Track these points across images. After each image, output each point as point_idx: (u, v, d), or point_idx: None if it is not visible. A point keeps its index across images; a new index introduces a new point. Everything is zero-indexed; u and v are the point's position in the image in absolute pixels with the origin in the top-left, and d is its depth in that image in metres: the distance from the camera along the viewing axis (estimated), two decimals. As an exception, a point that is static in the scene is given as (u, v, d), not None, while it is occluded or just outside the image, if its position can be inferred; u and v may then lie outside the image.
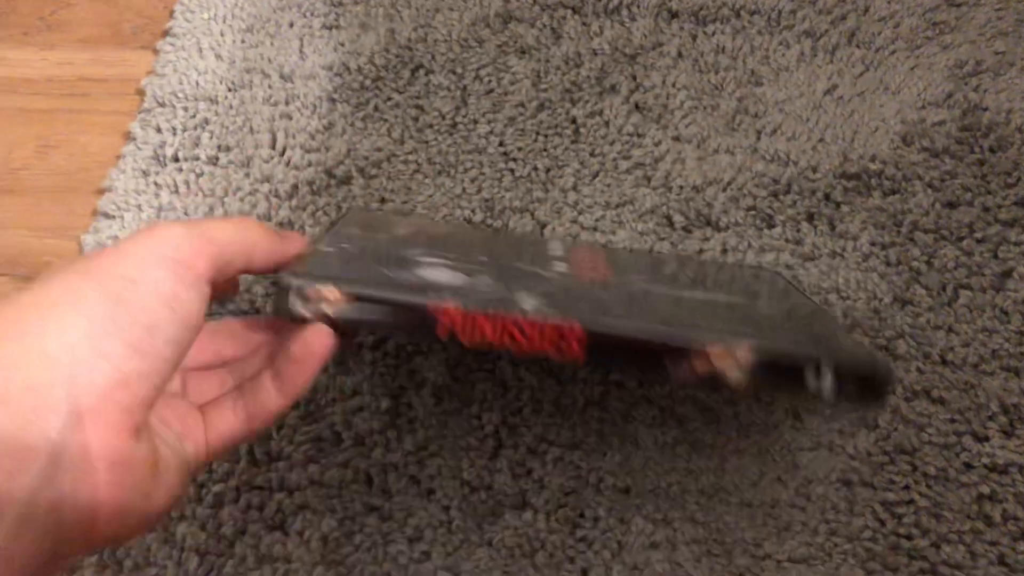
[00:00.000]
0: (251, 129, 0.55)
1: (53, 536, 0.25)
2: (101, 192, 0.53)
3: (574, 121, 0.56)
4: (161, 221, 0.32)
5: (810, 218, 0.52)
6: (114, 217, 0.52)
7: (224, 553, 0.41)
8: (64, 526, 0.26)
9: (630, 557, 0.42)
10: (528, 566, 0.42)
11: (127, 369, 0.27)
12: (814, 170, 0.54)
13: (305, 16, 0.61)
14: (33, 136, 0.57)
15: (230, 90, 0.57)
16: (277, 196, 0.52)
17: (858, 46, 0.59)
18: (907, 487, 0.43)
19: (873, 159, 0.54)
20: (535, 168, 0.53)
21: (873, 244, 0.51)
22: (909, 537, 0.42)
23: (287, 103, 0.56)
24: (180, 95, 0.57)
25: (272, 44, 0.60)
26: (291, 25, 0.61)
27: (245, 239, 0.32)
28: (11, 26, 0.62)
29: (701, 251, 0.51)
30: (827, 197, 0.53)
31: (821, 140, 0.55)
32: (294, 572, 0.41)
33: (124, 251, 0.29)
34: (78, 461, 0.26)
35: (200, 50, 0.59)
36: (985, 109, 0.56)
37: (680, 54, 0.59)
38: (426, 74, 0.58)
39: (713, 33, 0.60)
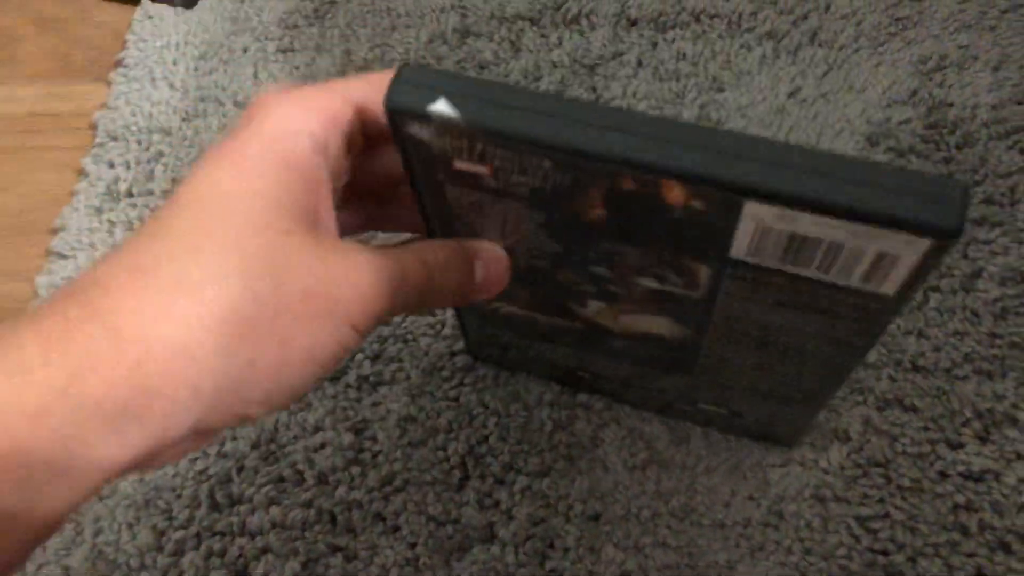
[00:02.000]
0: (206, 160, 0.54)
1: None
2: (54, 232, 0.53)
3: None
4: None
5: (776, 226, 0.51)
6: (68, 257, 0.51)
7: (186, 602, 0.40)
8: None
9: (602, 586, 0.41)
10: (498, 600, 0.41)
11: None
12: (779, 176, 0.53)
13: (259, 40, 0.60)
14: (-15, 176, 0.56)
15: (184, 120, 0.56)
16: (233, 228, 0.51)
17: (820, 45, 0.58)
18: (882, 500, 0.43)
19: (839, 162, 0.53)
20: (495, 187, 0.52)
21: (841, 250, 0.50)
22: (885, 552, 0.41)
23: (241, 131, 0.55)
24: (133, 128, 0.56)
25: (226, 71, 0.59)
26: (245, 51, 0.60)
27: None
28: (-40, 63, 0.61)
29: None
30: (793, 203, 0.52)
31: (785, 145, 0.54)
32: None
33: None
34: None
35: (153, 80, 0.58)
36: (950, 105, 0.55)
37: (640, 63, 0.58)
38: (383, 94, 0.57)
39: (673, 40, 0.59)
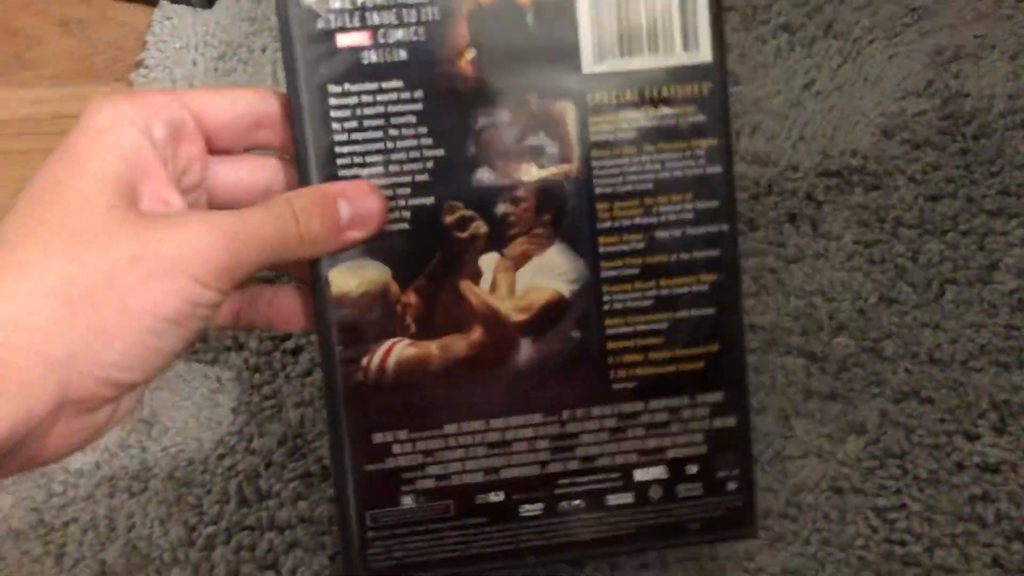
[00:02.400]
0: (227, 159, 0.55)
1: None
2: (81, 233, 0.53)
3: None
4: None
5: (792, 219, 0.52)
6: (95, 258, 0.52)
7: None
8: None
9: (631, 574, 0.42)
10: None
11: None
12: (795, 169, 0.53)
13: (277, 40, 0.61)
14: (10, 179, 0.57)
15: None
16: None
17: (835, 37, 0.59)
18: (899, 491, 0.43)
19: (854, 154, 0.53)
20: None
21: (856, 242, 0.50)
22: (902, 543, 0.42)
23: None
24: (155, 128, 0.57)
25: (245, 71, 0.59)
26: (263, 50, 0.60)
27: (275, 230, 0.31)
28: (-16, 66, 0.62)
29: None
30: (809, 196, 0.52)
31: (801, 138, 0.54)
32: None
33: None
34: (41, 433, 0.27)
35: (173, 81, 0.59)
36: (967, 95, 0.55)
37: (655, 56, 0.58)
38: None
39: (688, 33, 0.59)
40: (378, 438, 0.35)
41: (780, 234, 0.51)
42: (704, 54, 0.34)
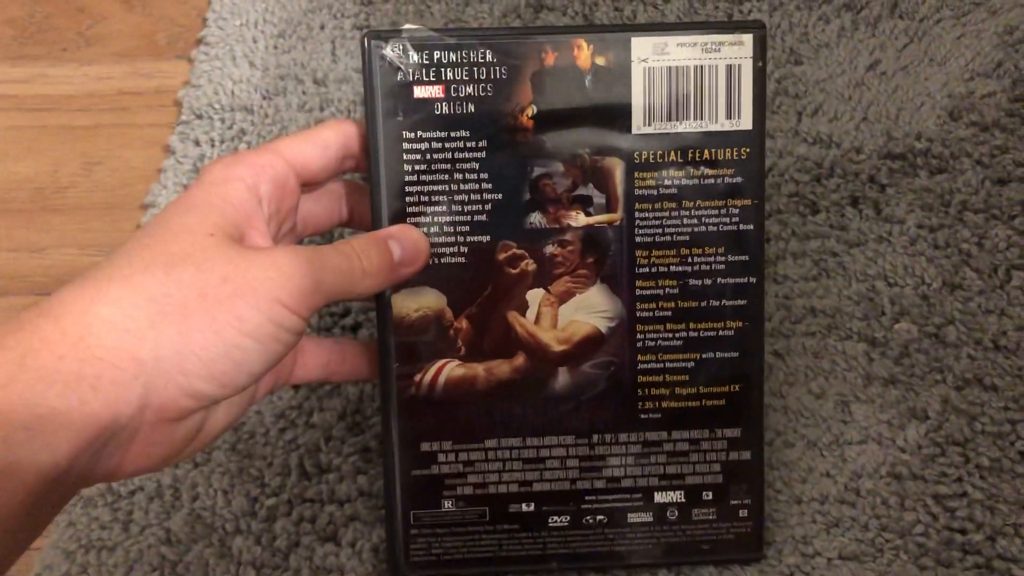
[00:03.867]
0: (287, 137, 0.56)
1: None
2: (145, 208, 0.54)
3: (609, 112, 0.55)
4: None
5: (855, 202, 0.51)
6: (159, 233, 0.53)
7: (279, 566, 0.42)
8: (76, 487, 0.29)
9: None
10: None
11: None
12: (858, 151, 0.52)
13: (336, 17, 0.61)
14: (78, 153, 0.58)
15: (264, 98, 0.58)
16: (316, 204, 0.53)
17: (901, 17, 0.57)
18: (960, 479, 0.43)
19: (919, 137, 0.52)
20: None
21: (920, 227, 0.50)
22: (963, 531, 0.41)
23: (321, 109, 0.57)
24: (216, 106, 0.58)
25: (304, 48, 0.60)
26: (322, 28, 0.61)
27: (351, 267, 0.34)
28: (49, 43, 0.63)
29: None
30: (872, 179, 0.51)
31: (864, 119, 0.54)
32: (348, 583, 0.42)
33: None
34: (124, 440, 0.29)
35: (234, 58, 0.60)
36: (1037, 77, 0.54)
37: (716, 35, 0.57)
38: (458, 71, 0.57)
39: (749, 12, 0.59)
40: (425, 447, 0.39)
41: (842, 217, 0.50)
42: (745, 123, 0.38)
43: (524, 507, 0.40)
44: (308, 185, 0.37)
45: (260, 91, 0.58)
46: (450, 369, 0.38)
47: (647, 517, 0.40)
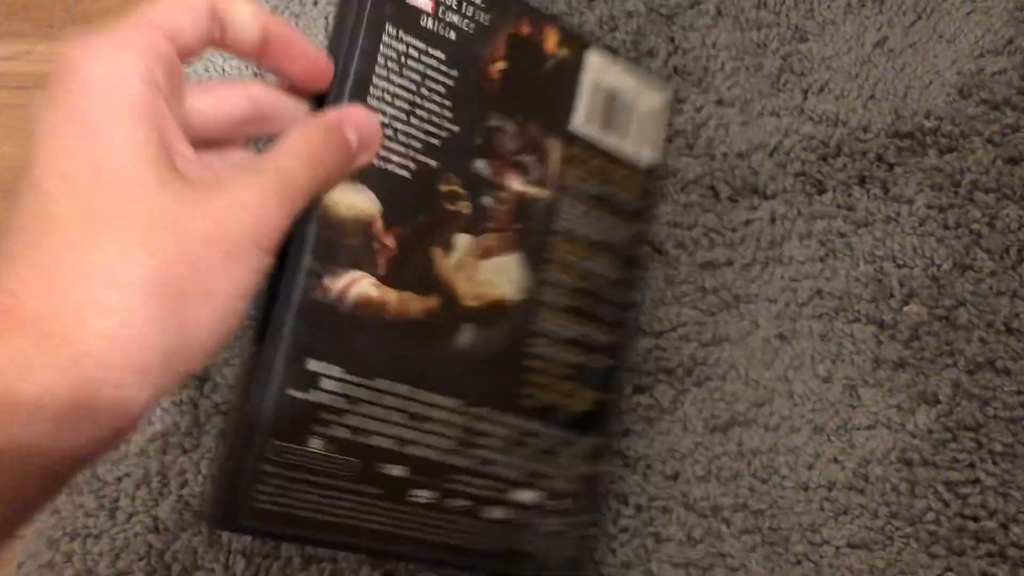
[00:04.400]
0: (279, 115, 0.54)
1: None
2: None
3: (610, 90, 0.53)
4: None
5: (862, 181, 0.50)
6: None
7: (270, 555, 0.41)
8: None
9: (675, 549, 0.41)
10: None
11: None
12: (865, 130, 0.51)
13: (329, -7, 0.60)
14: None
15: (257, 75, 0.56)
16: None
17: (909, -7, 0.56)
18: (972, 465, 0.42)
19: (928, 115, 0.51)
20: (571, 142, 0.52)
21: (930, 207, 0.48)
22: (975, 518, 0.40)
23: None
24: (207, 83, 0.56)
25: (297, 24, 0.58)
26: (315, 3, 0.59)
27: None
28: (36, 20, 0.61)
29: (748, 222, 0.48)
30: (880, 158, 0.50)
31: (872, 97, 0.52)
32: (340, 572, 0.40)
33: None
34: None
35: (225, 34, 0.58)
36: (1049, 54, 0.52)
37: (720, 11, 0.56)
38: (455, 47, 0.56)
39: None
40: (312, 365, 0.33)
41: (849, 197, 0.49)
42: (654, 157, 0.43)
43: (393, 469, 0.35)
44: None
45: (251, 68, 0.56)
46: (364, 286, 0.34)
47: (500, 513, 0.37)
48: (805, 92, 0.53)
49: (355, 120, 0.33)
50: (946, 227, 0.48)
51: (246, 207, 0.27)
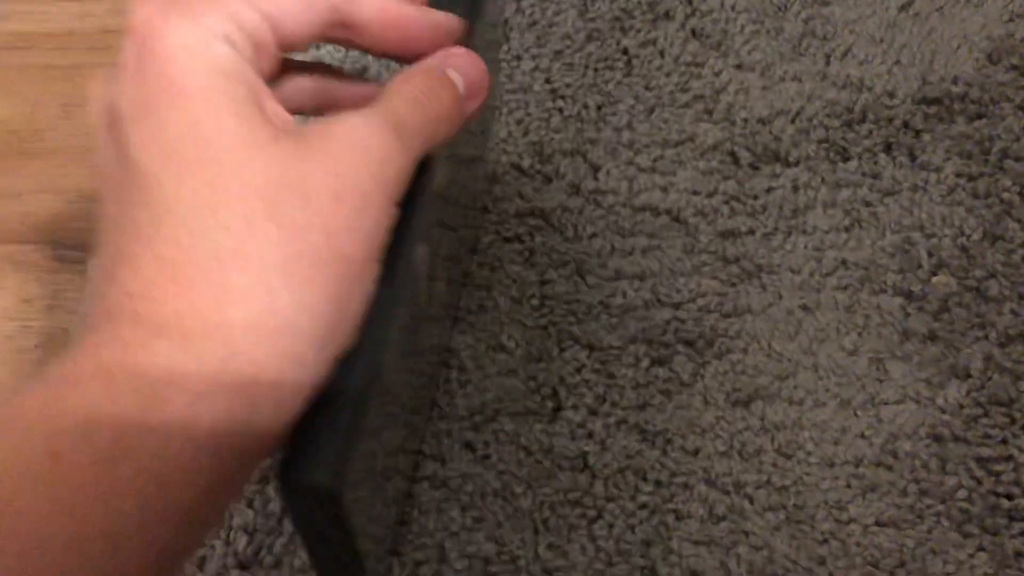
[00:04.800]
0: (281, 77, 0.52)
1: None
2: (129, 151, 0.51)
3: (626, 52, 0.51)
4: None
5: (888, 149, 0.48)
6: (143, 177, 0.50)
7: (273, 531, 0.39)
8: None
9: (697, 527, 0.39)
10: (584, 536, 0.39)
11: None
12: (891, 96, 0.49)
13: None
14: (56, 94, 0.54)
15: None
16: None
17: (936, -45, 0.54)
18: (1004, 441, 0.40)
19: (956, 81, 0.49)
20: (585, 106, 0.50)
21: (959, 175, 0.46)
22: (1009, 496, 0.39)
23: (317, 48, 0.53)
24: (205, 43, 0.54)
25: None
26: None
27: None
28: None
29: (770, 189, 0.47)
30: (906, 125, 0.48)
31: (897, 62, 0.50)
32: (347, 549, 0.39)
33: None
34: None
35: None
36: (1081, 19, 0.51)
37: (738, -26, 0.54)
38: (464, 9, 0.54)
39: (774, -51, 0.55)
40: None
41: (875, 164, 0.47)
42: None
43: None
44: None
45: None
46: None
47: None
48: (828, 57, 0.51)
49: (458, 63, 0.28)
50: (975, 196, 0.46)
51: (368, 151, 0.24)
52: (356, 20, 0.27)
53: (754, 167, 0.47)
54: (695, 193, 0.47)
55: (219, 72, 0.23)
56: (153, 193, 0.22)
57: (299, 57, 0.29)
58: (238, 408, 0.22)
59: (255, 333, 0.22)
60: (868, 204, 0.46)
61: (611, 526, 0.39)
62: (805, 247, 0.45)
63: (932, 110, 0.48)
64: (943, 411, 0.41)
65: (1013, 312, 0.43)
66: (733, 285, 0.44)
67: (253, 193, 0.22)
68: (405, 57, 0.29)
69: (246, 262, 0.22)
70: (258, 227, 0.22)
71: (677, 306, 0.44)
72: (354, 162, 0.24)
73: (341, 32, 0.27)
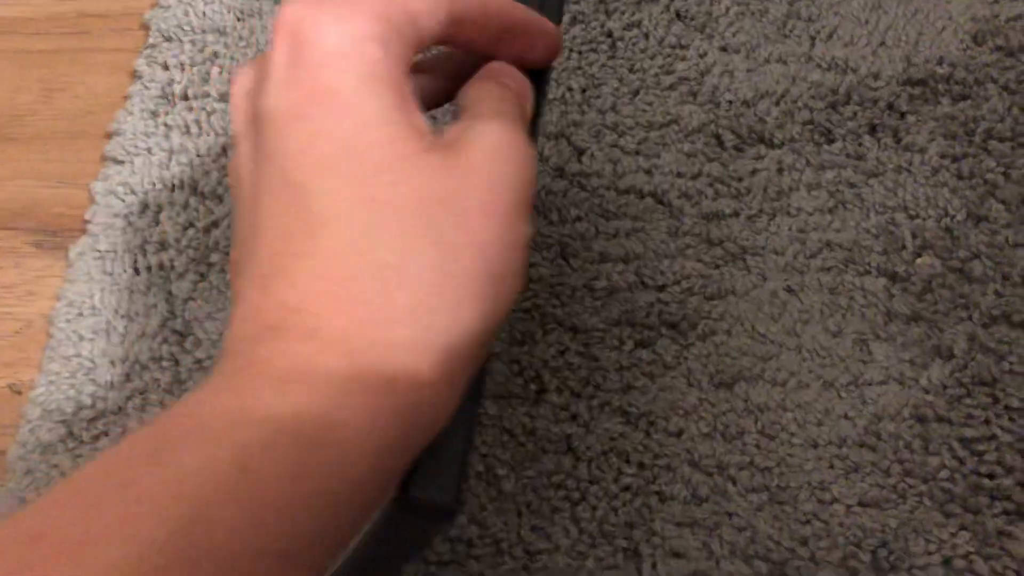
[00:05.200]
0: (263, 60, 0.52)
1: None
2: (109, 136, 0.50)
3: (610, 35, 0.51)
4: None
5: (873, 130, 0.47)
6: (123, 162, 0.49)
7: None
8: None
9: (680, 508, 0.39)
10: (567, 518, 0.39)
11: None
12: (875, 77, 0.49)
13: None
14: (36, 79, 0.54)
15: (239, 19, 0.54)
16: (294, 132, 0.49)
17: (921, -64, 0.54)
18: (987, 421, 0.40)
19: (940, 62, 0.49)
20: (569, 88, 0.49)
21: (943, 156, 0.46)
22: (991, 476, 0.39)
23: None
24: (187, 28, 0.53)
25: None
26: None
27: None
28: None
29: (754, 171, 0.46)
30: (891, 106, 0.48)
31: (882, 44, 0.50)
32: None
33: None
34: None
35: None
36: (1066, -1, 0.50)
37: (723, -45, 0.54)
38: (447, -9, 0.54)
39: (759, -70, 0.55)
40: None
41: (859, 146, 0.47)
42: None
43: None
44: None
45: (234, 12, 0.54)
46: None
47: None
48: (813, 38, 0.51)
49: (506, 73, 0.28)
50: (960, 177, 0.46)
51: (510, 162, 0.24)
52: (464, 14, 0.26)
53: (738, 149, 0.47)
54: (679, 175, 0.46)
55: (372, 77, 0.23)
56: (308, 205, 0.22)
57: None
58: (401, 431, 0.22)
59: (418, 353, 0.22)
60: (852, 185, 0.46)
61: (594, 508, 0.39)
62: (789, 229, 0.45)
63: (917, 91, 0.48)
64: (926, 391, 0.41)
65: (996, 293, 0.43)
66: (717, 267, 0.44)
67: (409, 209, 0.22)
68: (499, 53, 0.28)
69: (406, 280, 0.22)
70: (415, 244, 0.22)
71: (661, 288, 0.44)
72: (500, 174, 0.24)
73: (451, 28, 0.26)
